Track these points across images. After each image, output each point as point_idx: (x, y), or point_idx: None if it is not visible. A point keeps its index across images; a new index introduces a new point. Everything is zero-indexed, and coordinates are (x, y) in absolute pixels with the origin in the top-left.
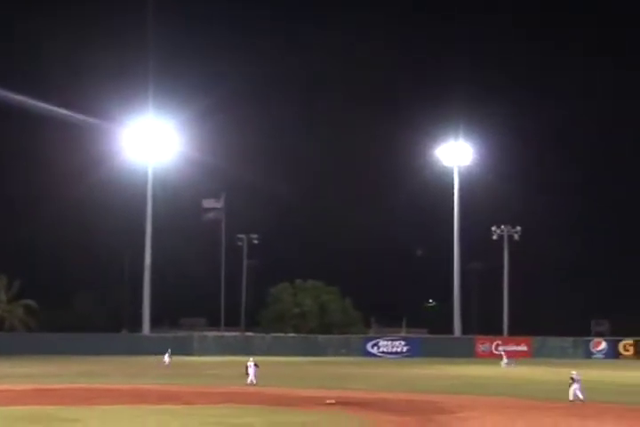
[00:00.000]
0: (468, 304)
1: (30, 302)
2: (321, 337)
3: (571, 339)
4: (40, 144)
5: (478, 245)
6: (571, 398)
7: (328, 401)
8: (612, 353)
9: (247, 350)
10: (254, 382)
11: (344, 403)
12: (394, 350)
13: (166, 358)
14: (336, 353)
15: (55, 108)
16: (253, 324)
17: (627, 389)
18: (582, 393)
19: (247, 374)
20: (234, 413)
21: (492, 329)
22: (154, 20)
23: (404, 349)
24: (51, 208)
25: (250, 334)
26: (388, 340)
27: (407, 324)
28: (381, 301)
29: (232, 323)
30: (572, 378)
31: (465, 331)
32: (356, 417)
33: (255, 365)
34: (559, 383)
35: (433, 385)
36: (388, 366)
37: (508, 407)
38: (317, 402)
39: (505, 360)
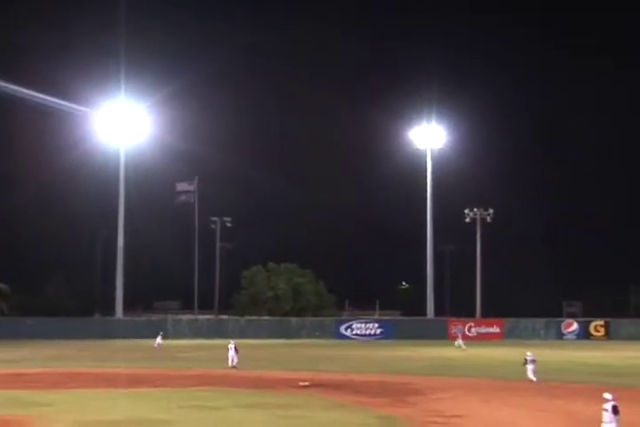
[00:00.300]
0: (440, 287)
1: (2, 285)
2: (295, 320)
3: (543, 320)
4: (10, 128)
5: (451, 227)
6: (533, 377)
7: (302, 383)
8: (584, 334)
9: (221, 334)
10: (235, 364)
11: (318, 385)
12: (367, 332)
13: (158, 340)
14: (310, 336)
15: (26, 92)
16: (227, 307)
17: (597, 369)
18: (535, 374)
19: (229, 356)
20: (208, 396)
21: (465, 311)
22: (125, 2)
23: (378, 331)
24: (22, 192)
25: (224, 317)
26: (361, 322)
27: (380, 306)
28: (355, 284)
29: (206, 306)
30: (526, 359)
31: (438, 313)
32: (330, 399)
33: (236, 348)
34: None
35: (406, 367)
36: (361, 348)
37: (480, 388)
38: (291, 384)
39: (459, 341)
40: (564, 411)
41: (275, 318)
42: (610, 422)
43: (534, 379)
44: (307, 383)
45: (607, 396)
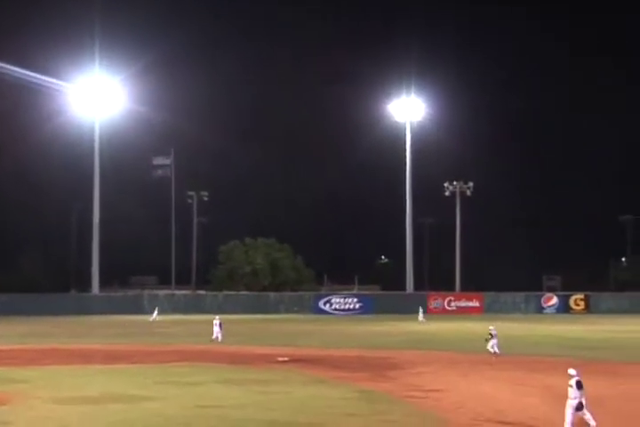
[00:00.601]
0: (420, 261)
1: None
2: (273, 295)
3: (522, 294)
4: None
5: (431, 201)
6: (492, 351)
7: (280, 359)
8: (563, 308)
9: (199, 309)
10: (219, 339)
11: (296, 360)
12: (346, 307)
13: (155, 315)
14: (288, 311)
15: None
16: (205, 282)
17: (575, 343)
18: (499, 348)
19: (214, 331)
20: (186, 371)
21: (445, 285)
22: None
23: (357, 306)
24: None
25: (201, 292)
26: (340, 297)
27: (360, 281)
28: (334, 258)
29: (183, 281)
30: (491, 334)
31: (417, 287)
32: (309, 374)
33: (220, 324)
34: (511, 338)
35: (385, 342)
36: (340, 323)
37: (459, 362)
38: (270, 360)
39: (421, 315)
40: (543, 385)
41: (253, 293)
42: (575, 397)
43: (498, 351)
44: (285, 359)
45: (571, 372)
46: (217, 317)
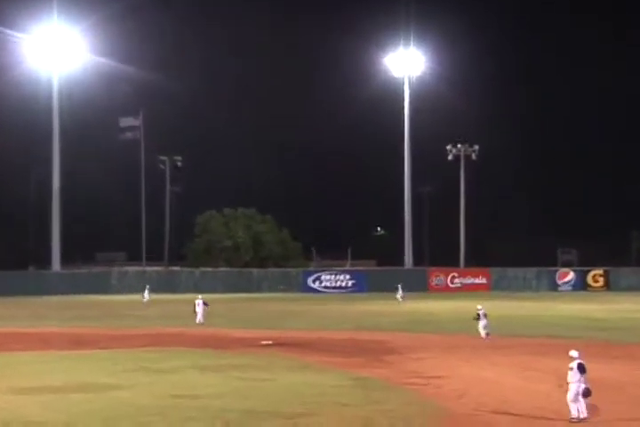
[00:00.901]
0: (420, 233)
1: None
2: (256, 271)
3: (534, 269)
4: None
5: (432, 166)
6: (483, 333)
7: (264, 342)
8: (580, 285)
9: (173, 287)
10: (202, 321)
11: (282, 344)
12: (338, 284)
13: (145, 295)
14: (273, 289)
15: None
16: (179, 258)
17: (592, 324)
18: (486, 329)
19: (195, 312)
20: (158, 357)
21: (447, 260)
22: None
23: (350, 283)
24: None
25: (175, 268)
26: (331, 273)
27: (353, 255)
28: (323, 230)
29: (155, 257)
30: (479, 314)
31: (417, 262)
32: (296, 359)
33: (204, 303)
34: (520, 319)
35: (381, 323)
36: (331, 302)
37: (462, 346)
38: (252, 343)
39: (400, 293)
40: (553, 370)
41: (233, 270)
42: (576, 381)
43: (484, 334)
44: (269, 342)
45: (573, 353)
46: (199, 296)
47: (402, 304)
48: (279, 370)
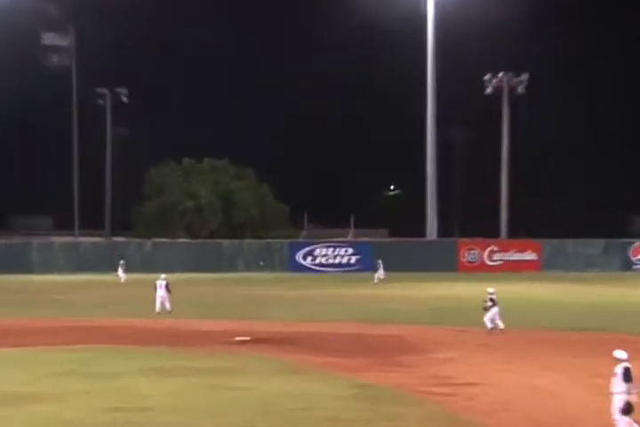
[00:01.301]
0: (447, 193)
1: None
2: (227, 244)
3: (601, 242)
4: None
5: (464, 103)
6: (490, 325)
7: (238, 338)
8: None
9: (115, 264)
10: (169, 309)
11: (262, 340)
12: (337, 261)
13: (120, 272)
14: (250, 267)
15: None
16: (124, 226)
17: None
18: (501, 320)
19: (159, 298)
20: (95, 357)
21: (484, 229)
22: None
23: (352, 259)
24: None
25: (119, 239)
26: (327, 246)
27: (357, 223)
28: (319, 189)
29: (92, 224)
30: (491, 299)
31: (443, 232)
32: (280, 360)
33: (167, 286)
34: (581, 307)
35: (395, 312)
36: (327, 284)
37: (502, 344)
38: (222, 340)
39: (381, 272)
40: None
41: (197, 242)
42: (621, 392)
43: (501, 326)
44: (246, 338)
45: (619, 354)
46: (162, 275)
47: (379, 288)
48: (258, 375)
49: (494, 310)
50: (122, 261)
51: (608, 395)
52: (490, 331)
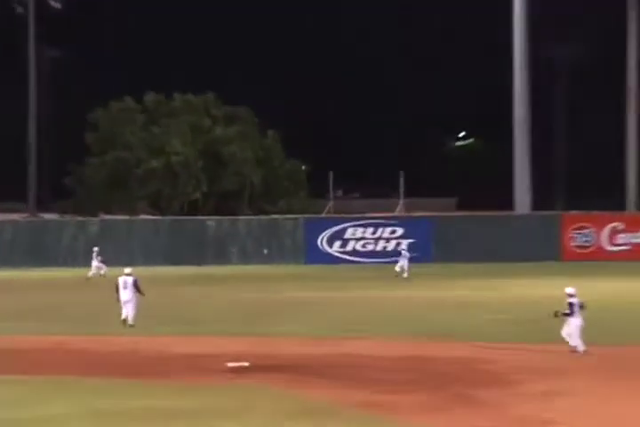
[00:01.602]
0: (544, 142)
1: None
2: (214, 222)
3: None
4: None
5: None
6: (568, 339)
7: (233, 364)
8: None
9: (45, 254)
10: (130, 321)
11: (268, 367)
12: (379, 247)
13: (94, 266)
14: (248, 258)
15: None
16: (57, 196)
17: None
18: (581, 333)
19: (119, 300)
20: (17, 393)
21: (602, 200)
22: None
23: (404, 244)
24: None
25: (50, 216)
26: (364, 225)
27: (409, 189)
28: (349, 138)
29: (10, 195)
30: (571, 303)
31: (541, 203)
32: (298, 397)
33: (135, 283)
34: None
35: (464, 325)
36: (364, 283)
37: (630, 371)
38: (211, 366)
39: (402, 262)
40: None
41: (167, 219)
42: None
43: (574, 344)
44: (245, 364)
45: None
46: (126, 270)
47: (409, 281)
48: (264, 420)
49: (575, 321)
50: (95, 249)
51: None
52: (577, 349)
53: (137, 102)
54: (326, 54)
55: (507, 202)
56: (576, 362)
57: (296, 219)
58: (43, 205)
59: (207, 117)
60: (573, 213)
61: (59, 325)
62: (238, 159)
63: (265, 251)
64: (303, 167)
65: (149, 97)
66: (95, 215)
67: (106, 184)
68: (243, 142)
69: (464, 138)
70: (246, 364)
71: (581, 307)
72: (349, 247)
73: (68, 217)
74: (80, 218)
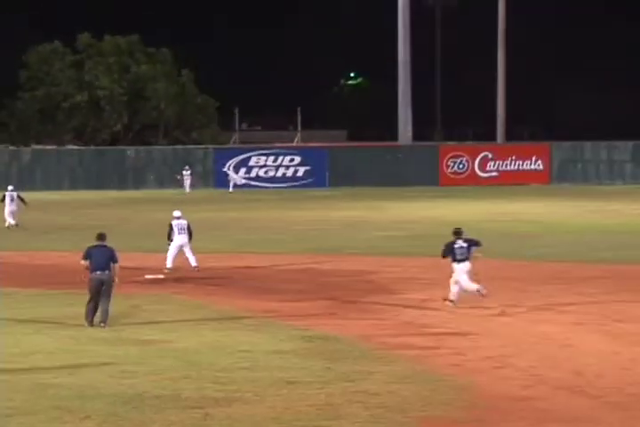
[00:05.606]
0: (425, 79)
1: None
2: (133, 151)
3: (629, 145)
4: None
5: None
6: (452, 297)
7: (149, 276)
8: None
9: None
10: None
11: (182, 279)
12: (280, 173)
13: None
14: (164, 183)
15: None
16: None
17: None
18: (469, 283)
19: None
20: None
21: (473, 130)
22: None
23: (300, 171)
24: None
25: None
26: (267, 154)
27: (306, 122)
28: (253, 76)
29: None
30: (462, 237)
31: (421, 134)
32: (207, 305)
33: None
34: (609, 231)
35: (355, 241)
36: (267, 205)
37: (496, 278)
38: (127, 278)
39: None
40: None
41: (92, 149)
42: None
43: (475, 288)
44: (159, 276)
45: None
46: (176, 213)
47: (334, 208)
48: (176, 326)
49: (457, 266)
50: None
51: (635, 344)
52: (478, 292)
53: (65, 45)
54: None
55: (392, 134)
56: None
57: (206, 148)
58: None
59: (131, 58)
60: (449, 143)
61: None
62: (158, 95)
63: (178, 177)
64: (215, 103)
65: (81, 39)
66: (26, 145)
67: (35, 117)
68: (161, 76)
69: (354, 77)
70: (161, 276)
71: (477, 244)
72: (253, 174)
73: (2, 147)
74: (13, 148)
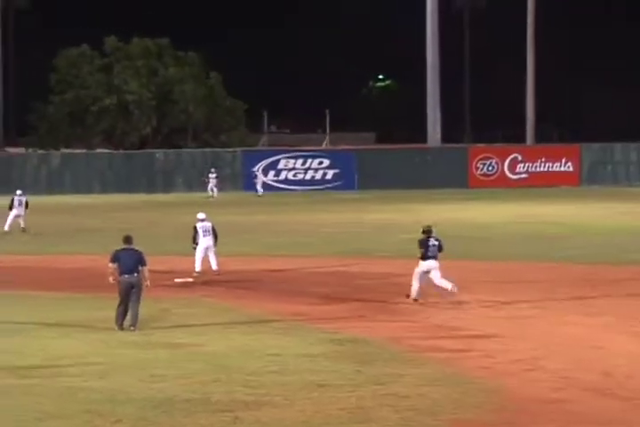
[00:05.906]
0: (454, 83)
1: None
2: (162, 154)
3: None
4: None
5: None
6: (414, 294)
7: (179, 280)
8: None
9: (9, 182)
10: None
11: (211, 282)
12: (308, 176)
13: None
14: (192, 186)
15: None
16: (20, 132)
17: None
18: (442, 280)
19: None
20: None
21: (502, 132)
22: None
23: (329, 174)
24: None
25: (15, 150)
26: (295, 157)
27: (334, 124)
28: (282, 77)
29: None
30: (426, 242)
31: (450, 137)
32: (237, 309)
33: (213, 227)
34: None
35: (385, 244)
36: (296, 207)
37: (529, 283)
38: (157, 282)
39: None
40: None
41: (122, 153)
42: None
43: (449, 286)
44: (189, 279)
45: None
46: (201, 215)
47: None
48: (206, 329)
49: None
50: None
51: None
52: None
53: (92, 49)
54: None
55: (420, 136)
56: (478, 275)
57: (235, 151)
58: (8, 140)
59: (159, 61)
60: (478, 145)
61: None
62: (187, 98)
63: (205, 179)
64: (243, 105)
65: (108, 41)
66: (56, 149)
67: (64, 120)
68: (190, 83)
69: (383, 79)
70: (190, 279)
71: (438, 245)
72: (282, 176)
73: (32, 151)
74: (42, 152)
